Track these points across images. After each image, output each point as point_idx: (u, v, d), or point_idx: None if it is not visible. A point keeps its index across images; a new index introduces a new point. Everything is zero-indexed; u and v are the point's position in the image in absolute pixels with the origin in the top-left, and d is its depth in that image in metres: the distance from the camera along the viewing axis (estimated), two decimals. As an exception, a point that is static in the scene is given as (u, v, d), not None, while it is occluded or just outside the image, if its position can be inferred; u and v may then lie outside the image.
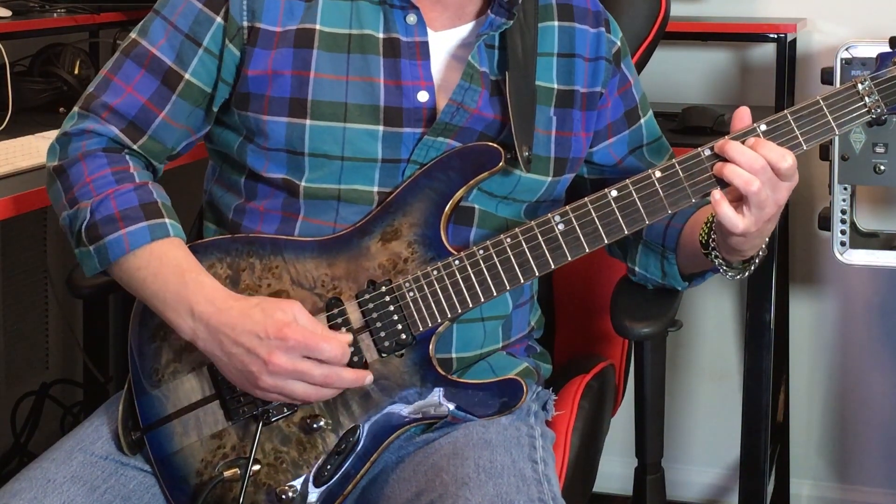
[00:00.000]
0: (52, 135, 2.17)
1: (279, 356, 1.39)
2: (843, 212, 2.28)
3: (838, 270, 2.80)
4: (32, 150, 2.06)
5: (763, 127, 1.46)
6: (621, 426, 2.04)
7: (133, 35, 1.57)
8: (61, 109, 2.53)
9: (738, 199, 1.44)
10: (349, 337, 1.45)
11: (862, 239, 2.33)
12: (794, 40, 2.67)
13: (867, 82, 1.47)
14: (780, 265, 2.72)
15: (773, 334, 2.51)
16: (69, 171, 1.52)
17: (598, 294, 1.94)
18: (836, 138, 2.22)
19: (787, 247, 2.79)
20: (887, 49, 1.49)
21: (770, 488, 2.71)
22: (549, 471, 1.50)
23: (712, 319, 2.93)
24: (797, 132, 1.46)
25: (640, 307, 1.70)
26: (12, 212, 1.82)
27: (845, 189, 2.26)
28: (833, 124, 1.47)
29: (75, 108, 1.57)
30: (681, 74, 2.84)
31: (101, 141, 1.54)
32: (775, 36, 2.59)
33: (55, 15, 2.67)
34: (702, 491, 3.01)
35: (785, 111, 1.47)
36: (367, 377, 1.44)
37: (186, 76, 1.53)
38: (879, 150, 2.21)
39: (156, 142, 1.55)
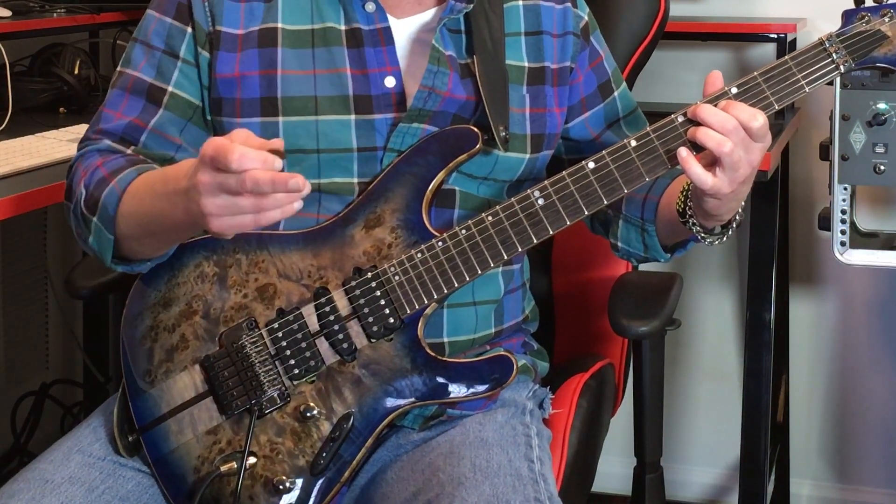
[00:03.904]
0: (53, 135, 2.20)
1: (201, 175, 1.30)
2: (843, 212, 2.28)
3: (838, 270, 2.79)
4: (32, 150, 2.06)
5: (734, 89, 1.47)
6: (620, 425, 2.04)
7: (119, 68, 1.60)
8: (61, 109, 2.53)
9: (713, 163, 1.45)
10: (244, 134, 1.30)
11: (862, 239, 2.33)
12: (794, 40, 2.67)
13: (834, 39, 1.49)
14: (780, 265, 2.71)
15: (773, 334, 2.51)
16: (71, 183, 1.54)
17: (597, 293, 1.95)
18: (836, 138, 2.22)
19: (787, 247, 2.79)
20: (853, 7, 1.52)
21: (770, 488, 2.71)
22: (545, 470, 1.51)
23: (712, 319, 2.93)
24: (768, 92, 1.47)
25: (638, 306, 1.70)
26: (12, 212, 1.82)
27: (845, 189, 2.26)
28: (802, 82, 1.48)
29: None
30: (681, 74, 2.84)
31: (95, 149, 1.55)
32: (775, 36, 2.59)
33: (55, 15, 2.67)
34: (702, 491, 3.01)
35: (755, 73, 1.48)
36: (294, 181, 1.27)
37: (170, 89, 1.56)
38: (879, 150, 2.21)
39: (148, 153, 1.55)
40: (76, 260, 2.80)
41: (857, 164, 2.22)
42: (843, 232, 2.29)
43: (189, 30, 1.56)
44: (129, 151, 1.55)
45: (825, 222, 2.32)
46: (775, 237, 2.50)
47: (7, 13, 2.51)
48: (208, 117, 1.57)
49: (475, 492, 1.40)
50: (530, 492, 1.43)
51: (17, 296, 2.95)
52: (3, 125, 2.27)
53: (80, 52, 2.66)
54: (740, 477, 2.55)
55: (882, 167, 2.21)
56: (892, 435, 2.84)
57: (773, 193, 2.44)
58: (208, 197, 1.30)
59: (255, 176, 1.26)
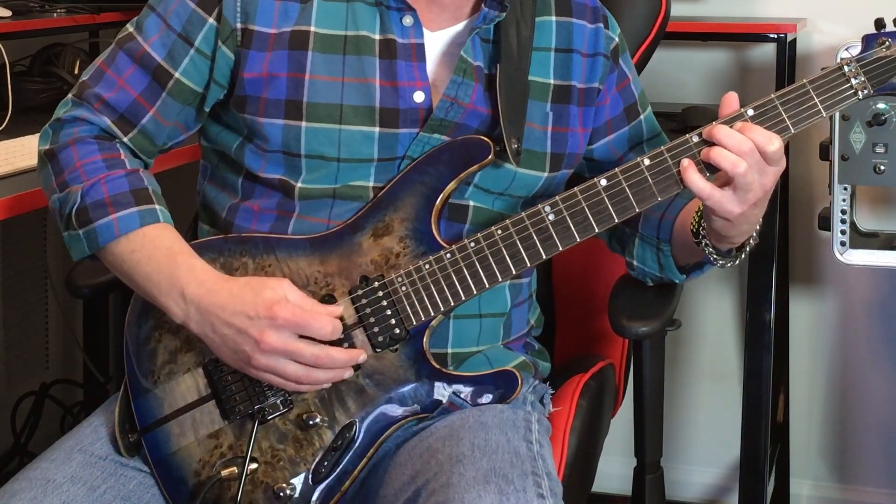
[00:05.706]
0: (52, 135, 2.20)
1: (270, 335, 1.40)
2: (843, 212, 2.28)
3: (838, 270, 2.79)
4: (32, 150, 2.05)
5: (750, 112, 1.47)
6: (621, 426, 2.04)
7: (129, 28, 1.58)
8: (61, 109, 2.53)
9: (726, 184, 1.44)
10: (339, 309, 1.46)
11: (862, 239, 2.33)
12: (794, 40, 2.67)
13: (853, 64, 1.48)
14: (780, 265, 2.72)
15: (773, 334, 2.51)
16: (59, 156, 1.53)
17: (597, 294, 1.94)
18: (836, 138, 2.22)
19: (787, 247, 2.79)
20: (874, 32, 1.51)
21: (770, 488, 2.71)
22: (544, 451, 1.49)
23: (712, 319, 2.93)
24: (784, 115, 1.47)
25: (638, 306, 1.70)
26: (12, 212, 1.82)
27: (845, 189, 2.26)
28: (820, 107, 1.47)
29: (69, 96, 1.58)
30: (681, 74, 2.84)
31: (92, 129, 1.55)
32: (775, 36, 2.59)
33: (55, 15, 2.67)
34: (702, 491, 3.01)
35: (772, 95, 1.47)
36: (359, 356, 1.45)
37: (177, 75, 1.54)
38: (879, 150, 2.21)
39: (145, 137, 1.56)
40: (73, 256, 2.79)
41: (857, 164, 2.22)
42: (843, 232, 2.29)
43: (210, 21, 1.53)
44: (125, 139, 1.54)
45: (825, 222, 2.32)
46: (775, 237, 2.50)
47: (7, 13, 2.51)
48: (206, 108, 1.57)
49: (472, 467, 1.38)
50: (528, 467, 1.42)
51: (17, 296, 2.95)
52: (3, 125, 2.27)
53: (80, 52, 2.66)
54: (740, 477, 2.55)
55: (882, 167, 2.21)
56: (892, 435, 2.84)
57: (773, 193, 2.43)
58: (270, 358, 1.42)
59: (334, 355, 1.43)
